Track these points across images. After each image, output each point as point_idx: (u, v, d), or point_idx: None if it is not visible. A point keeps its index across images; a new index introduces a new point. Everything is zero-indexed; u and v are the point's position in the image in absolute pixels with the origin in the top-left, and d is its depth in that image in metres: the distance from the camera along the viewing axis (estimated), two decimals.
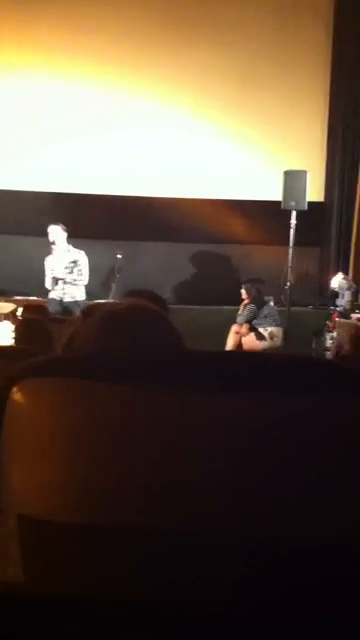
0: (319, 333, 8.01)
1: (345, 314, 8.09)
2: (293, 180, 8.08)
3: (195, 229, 8.70)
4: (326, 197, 9.23)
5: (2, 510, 1.06)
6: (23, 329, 4.04)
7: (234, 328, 7.82)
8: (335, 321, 7.78)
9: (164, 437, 1.02)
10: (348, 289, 8.62)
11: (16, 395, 1.06)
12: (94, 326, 1.22)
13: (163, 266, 8.80)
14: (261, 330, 7.79)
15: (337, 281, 8.64)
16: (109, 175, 8.93)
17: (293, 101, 9.05)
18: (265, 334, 7.78)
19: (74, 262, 8.04)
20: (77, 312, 7.15)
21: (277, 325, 7.85)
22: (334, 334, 7.54)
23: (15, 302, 7.18)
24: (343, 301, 8.50)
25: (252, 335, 7.76)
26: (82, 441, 1.03)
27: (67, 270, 8.02)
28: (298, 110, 9.08)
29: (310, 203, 8.15)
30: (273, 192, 8.30)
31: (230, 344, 7.70)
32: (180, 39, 8.93)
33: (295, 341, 7.82)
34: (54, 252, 8.06)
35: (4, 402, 1.06)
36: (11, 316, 6.13)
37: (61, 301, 7.96)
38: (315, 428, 1.03)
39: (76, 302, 7.82)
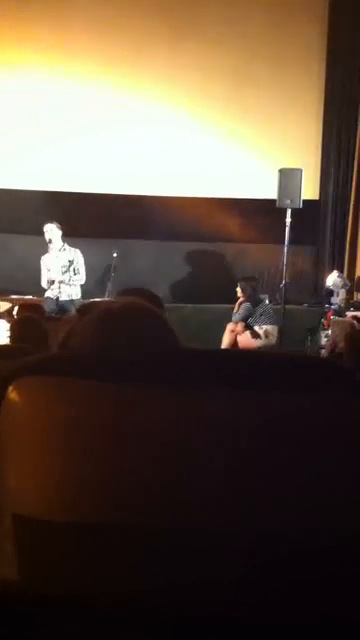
0: (314, 331, 8.02)
1: (340, 312, 8.10)
2: (288, 178, 8.08)
3: (191, 227, 8.70)
4: (321, 195, 9.24)
5: None
6: (19, 328, 4.04)
7: (229, 326, 7.82)
8: (330, 319, 7.79)
9: (160, 436, 1.02)
10: (343, 287, 8.63)
11: (12, 394, 1.06)
12: (90, 324, 1.22)
13: (158, 264, 8.80)
14: (256, 328, 7.79)
15: (332, 279, 8.65)
16: (104, 174, 8.92)
17: (288, 99, 9.05)
18: (260, 332, 7.78)
19: (70, 261, 8.04)
20: (73, 311, 7.14)
21: (272, 323, 7.85)
22: (329, 332, 7.55)
23: (11, 301, 7.18)
24: (338, 299, 8.51)
25: (247, 333, 7.76)
26: (77, 440, 1.03)
27: (63, 269, 8.01)
28: (293, 108, 9.08)
29: (305, 201, 8.16)
30: (268, 190, 8.30)
31: (225, 342, 7.70)
32: (177, 38, 8.92)
33: (290, 339, 7.83)
34: (50, 251, 8.05)
35: (0, 401, 1.06)
36: (7, 315, 6.12)
37: (57, 300, 7.95)
38: (314, 427, 1.03)
39: (72, 301, 7.82)
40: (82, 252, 8.09)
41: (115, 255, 8.28)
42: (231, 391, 1.04)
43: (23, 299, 7.60)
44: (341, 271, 8.93)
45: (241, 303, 7.87)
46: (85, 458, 1.02)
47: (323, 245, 9.31)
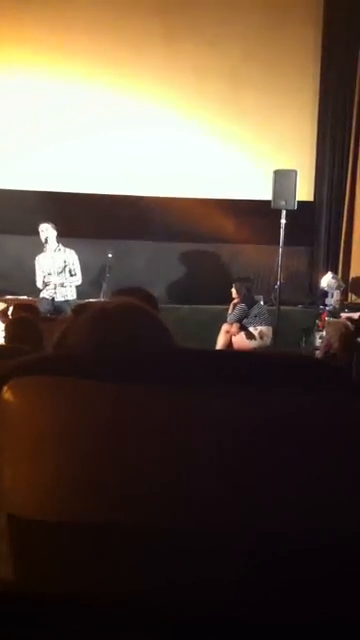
0: (308, 332, 8.03)
1: (334, 313, 8.11)
2: (283, 179, 8.09)
3: (185, 228, 8.70)
4: (316, 196, 9.24)
5: None
6: (13, 328, 4.04)
7: (224, 327, 7.83)
8: (324, 320, 7.79)
9: (157, 435, 1.02)
10: (337, 288, 8.64)
11: (7, 394, 1.06)
12: (85, 324, 1.23)
13: (153, 265, 8.79)
14: (251, 329, 7.79)
15: (326, 280, 8.67)
16: (100, 174, 8.92)
17: (283, 101, 9.06)
18: (255, 333, 7.79)
19: (65, 262, 8.04)
20: (68, 311, 7.13)
21: (267, 324, 7.86)
22: (323, 333, 7.54)
23: (6, 301, 7.16)
24: (332, 300, 8.53)
25: (242, 334, 7.77)
26: (73, 440, 1.03)
27: (59, 269, 8.00)
28: (288, 110, 9.09)
29: (300, 202, 8.16)
30: (263, 191, 8.31)
31: (220, 343, 7.70)
32: (174, 40, 8.92)
33: (285, 340, 7.84)
34: (45, 251, 8.04)
35: None
36: (2, 315, 6.10)
37: (52, 300, 7.95)
38: (313, 427, 1.04)
39: (67, 301, 7.81)
40: (77, 252, 8.09)
41: (110, 256, 8.28)
42: (229, 391, 1.04)
43: (18, 299, 7.59)
44: (335, 272, 8.95)
45: (236, 304, 7.87)
46: (81, 458, 1.02)
47: (317, 246, 9.32)
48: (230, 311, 7.88)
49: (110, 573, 1.03)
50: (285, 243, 8.08)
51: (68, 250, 8.08)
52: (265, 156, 8.85)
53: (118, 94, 8.92)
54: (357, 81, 9.10)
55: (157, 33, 8.84)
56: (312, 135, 9.21)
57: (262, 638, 1.02)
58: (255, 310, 7.85)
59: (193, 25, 8.91)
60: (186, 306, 8.20)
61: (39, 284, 8.06)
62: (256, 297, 8.03)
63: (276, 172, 8.12)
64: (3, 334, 4.15)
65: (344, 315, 7.90)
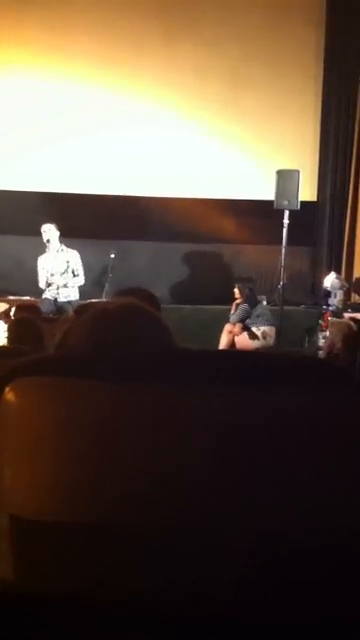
0: (311, 332, 8.03)
1: (337, 313, 8.10)
2: (286, 179, 8.08)
3: (188, 228, 8.70)
4: (319, 196, 9.24)
5: None
6: (16, 328, 4.05)
7: (227, 327, 7.83)
8: (327, 320, 7.79)
9: (157, 435, 1.02)
10: (340, 288, 8.64)
11: (8, 395, 1.06)
12: (86, 324, 1.23)
13: (156, 265, 8.79)
14: (254, 329, 7.80)
15: (329, 280, 8.66)
16: (101, 175, 8.92)
17: (285, 101, 9.06)
18: (258, 333, 7.79)
19: (67, 262, 8.04)
20: (70, 312, 7.13)
21: (270, 324, 7.86)
22: (326, 333, 7.55)
23: (8, 302, 7.18)
24: (335, 300, 8.52)
25: (245, 334, 7.77)
26: (74, 440, 1.03)
27: (62, 270, 8.01)
28: (290, 110, 9.09)
29: (302, 202, 8.16)
30: (266, 192, 8.31)
31: (223, 343, 7.70)
32: (174, 40, 8.92)
33: (288, 340, 7.84)
34: (47, 251, 8.05)
35: None
36: (4, 316, 6.12)
37: (55, 301, 7.95)
38: (314, 426, 1.03)
39: (69, 302, 7.81)
40: (79, 253, 8.09)
41: (112, 256, 8.28)
42: (230, 391, 1.04)
43: (20, 300, 7.60)
44: (338, 272, 8.94)
45: (238, 304, 7.88)
46: (81, 458, 1.02)
47: (320, 246, 9.32)
48: (233, 311, 7.88)
49: (110, 573, 1.03)
50: (288, 243, 8.08)
51: (70, 251, 8.08)
52: (267, 156, 8.85)
53: (118, 95, 8.92)
54: None
55: (157, 34, 8.85)
56: (314, 136, 9.20)
57: (262, 638, 1.02)
58: (258, 310, 7.85)
59: (193, 26, 8.91)
60: (188, 306, 8.20)
61: (42, 284, 8.07)
62: (259, 297, 8.04)
63: (279, 172, 8.12)
64: (5, 334, 4.16)
65: (347, 315, 7.89)
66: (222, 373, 1.06)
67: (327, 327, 7.62)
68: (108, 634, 1.03)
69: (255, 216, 8.59)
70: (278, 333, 7.84)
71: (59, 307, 7.84)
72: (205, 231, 8.73)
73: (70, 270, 8.04)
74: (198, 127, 8.99)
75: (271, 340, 7.82)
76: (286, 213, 8.02)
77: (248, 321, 7.81)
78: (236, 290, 7.91)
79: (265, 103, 8.98)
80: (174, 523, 1.01)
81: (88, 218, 8.67)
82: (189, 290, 8.83)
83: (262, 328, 7.81)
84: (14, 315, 5.35)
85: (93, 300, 6.60)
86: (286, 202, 8.02)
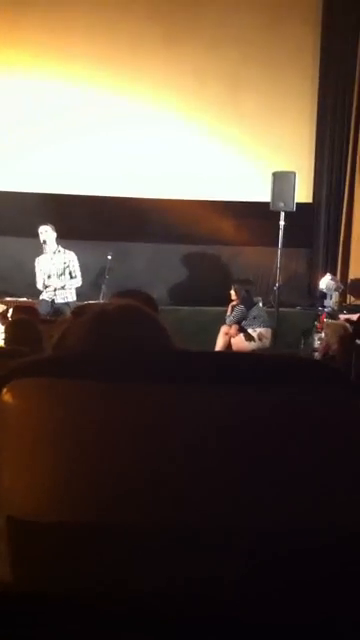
0: (307, 333, 8.03)
1: (333, 315, 8.11)
2: (282, 181, 8.09)
3: (185, 230, 8.70)
4: (314, 198, 9.26)
5: None
6: (13, 330, 4.05)
7: (223, 329, 7.83)
8: (323, 322, 7.80)
9: (156, 435, 1.02)
10: (336, 290, 8.65)
11: (6, 396, 1.06)
12: (84, 326, 1.23)
13: (153, 267, 8.80)
14: (250, 331, 7.80)
15: (325, 282, 8.67)
16: (99, 176, 8.93)
17: (283, 103, 9.07)
18: (254, 335, 7.79)
19: (65, 264, 8.04)
20: (68, 313, 7.13)
21: (266, 326, 7.86)
22: (322, 334, 7.56)
23: (6, 303, 7.18)
24: (331, 302, 8.54)
25: (241, 336, 7.77)
26: (72, 441, 1.03)
27: (59, 272, 8.00)
28: (287, 112, 9.10)
29: (298, 204, 8.17)
30: (262, 193, 8.32)
31: (219, 345, 7.71)
32: (173, 43, 8.94)
33: (284, 342, 7.84)
34: (45, 253, 8.05)
35: None
36: (1, 317, 6.12)
37: (52, 302, 7.95)
38: (314, 426, 1.04)
39: (67, 303, 7.81)
40: (77, 254, 8.09)
41: (109, 257, 8.28)
42: (228, 391, 1.04)
43: (18, 301, 7.60)
44: (334, 274, 8.96)
45: (234, 306, 7.88)
46: (80, 459, 1.02)
47: (316, 248, 9.33)
48: (229, 313, 7.88)
49: (109, 573, 1.03)
50: (284, 245, 8.09)
51: (68, 252, 8.08)
52: (264, 158, 8.86)
53: (117, 96, 8.93)
54: (356, 83, 9.12)
55: (157, 36, 8.86)
56: (311, 137, 9.22)
57: (262, 638, 1.02)
58: (254, 312, 7.86)
59: (192, 28, 8.93)
60: (186, 308, 8.20)
61: (39, 286, 8.07)
62: (255, 299, 8.04)
63: (275, 174, 8.13)
64: (3, 336, 4.16)
65: (343, 317, 7.90)
66: (220, 374, 1.07)
67: (323, 329, 7.63)
68: (108, 634, 1.03)
69: (252, 218, 8.60)
70: (274, 335, 7.85)
71: (56, 308, 7.84)
72: (203, 233, 8.74)
73: (68, 272, 8.03)
74: (196, 129, 9.00)
75: (267, 342, 7.83)
76: (282, 215, 8.03)
77: (244, 323, 7.81)
78: (232, 292, 7.91)
79: (263, 105, 9.00)
80: (173, 523, 1.01)
81: (86, 219, 8.67)
82: (187, 291, 8.84)
83: (258, 330, 7.81)
84: (12, 316, 5.35)
85: (91, 302, 6.61)
86: (282, 204, 8.03)
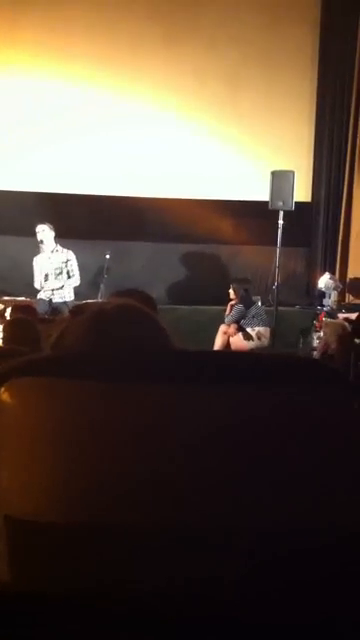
0: (306, 333, 8.04)
1: (332, 314, 8.12)
2: (280, 180, 8.10)
3: (183, 229, 8.71)
4: (313, 197, 9.27)
5: None
6: (11, 329, 4.04)
7: (222, 328, 7.83)
8: (322, 321, 7.80)
9: (152, 435, 1.02)
10: (335, 289, 8.66)
11: (4, 395, 1.05)
12: (82, 325, 1.22)
13: (151, 266, 8.80)
14: (249, 330, 7.80)
15: (324, 281, 8.68)
16: (97, 175, 8.93)
17: (283, 102, 9.08)
18: (253, 334, 7.79)
19: (63, 263, 8.03)
20: (66, 312, 7.12)
21: (265, 325, 7.87)
22: (321, 334, 7.56)
23: (3, 302, 7.17)
24: (330, 301, 8.54)
25: (240, 335, 7.77)
26: (70, 440, 1.03)
27: (57, 271, 8.00)
28: (286, 111, 9.11)
29: (297, 203, 8.18)
30: (260, 192, 8.32)
31: (218, 344, 7.71)
32: (172, 42, 8.95)
33: (282, 341, 7.85)
34: (42, 252, 8.04)
35: None
36: None
37: (50, 301, 7.94)
38: (313, 426, 1.04)
39: (65, 302, 7.81)
40: (75, 253, 8.09)
41: (107, 257, 8.28)
42: (227, 391, 1.04)
43: (16, 300, 7.59)
44: (333, 273, 8.96)
45: (233, 305, 7.88)
46: (78, 458, 1.02)
47: (315, 247, 9.34)
48: (227, 312, 7.89)
49: (108, 573, 1.03)
50: (283, 244, 8.09)
51: (66, 251, 8.07)
52: (263, 157, 8.87)
53: (117, 96, 8.94)
54: (354, 83, 9.13)
55: (157, 36, 8.86)
56: (310, 137, 9.23)
57: (262, 638, 1.02)
58: (253, 311, 7.86)
59: (192, 28, 8.93)
60: (184, 307, 8.21)
61: (37, 285, 8.06)
62: (254, 298, 8.05)
63: (273, 173, 8.13)
64: (1, 335, 4.15)
65: (341, 316, 7.91)
66: (219, 373, 1.07)
67: (321, 328, 7.63)
68: (107, 634, 1.03)
69: (251, 217, 8.61)
70: (273, 334, 7.85)
71: (54, 308, 7.84)
72: (202, 232, 8.75)
73: (66, 271, 8.03)
74: (195, 128, 9.01)
75: (266, 341, 7.83)
76: (281, 214, 8.04)
77: (243, 322, 7.81)
78: (231, 291, 7.92)
79: (262, 105, 9.01)
80: (173, 523, 1.01)
81: (85, 218, 8.68)
82: (186, 290, 8.85)
83: (257, 329, 7.81)
84: (10, 316, 5.35)
85: (89, 301, 6.60)
86: (281, 203, 8.04)
